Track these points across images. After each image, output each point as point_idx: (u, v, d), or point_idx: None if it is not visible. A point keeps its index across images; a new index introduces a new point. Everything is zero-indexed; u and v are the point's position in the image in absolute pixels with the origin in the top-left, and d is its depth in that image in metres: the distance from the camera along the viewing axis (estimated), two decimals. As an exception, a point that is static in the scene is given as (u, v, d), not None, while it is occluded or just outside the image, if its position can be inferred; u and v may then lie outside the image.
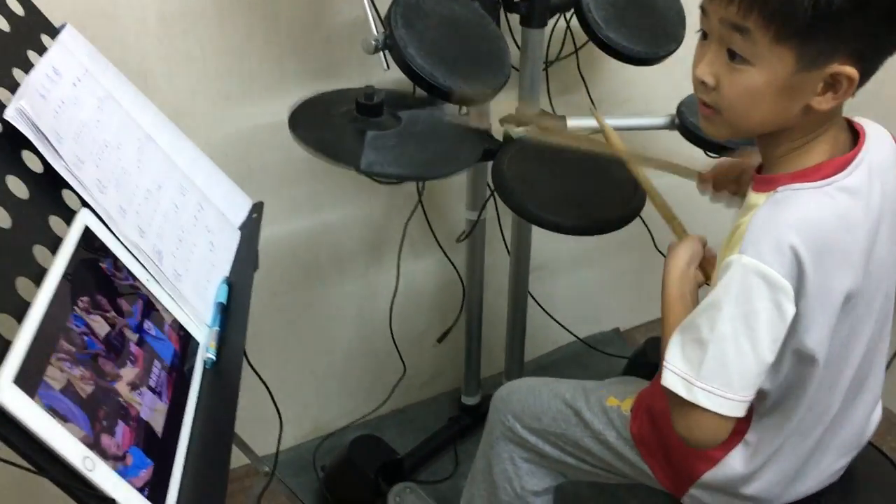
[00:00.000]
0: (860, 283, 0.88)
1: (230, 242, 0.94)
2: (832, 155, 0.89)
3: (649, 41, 1.42)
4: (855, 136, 0.92)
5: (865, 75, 0.84)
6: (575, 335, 1.96)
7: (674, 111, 1.49)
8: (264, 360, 1.66)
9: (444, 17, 1.26)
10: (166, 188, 0.88)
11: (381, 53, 1.22)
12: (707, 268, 1.04)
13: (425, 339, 1.82)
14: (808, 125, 0.88)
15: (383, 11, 1.27)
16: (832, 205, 0.86)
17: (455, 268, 1.69)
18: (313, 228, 1.59)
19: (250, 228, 0.98)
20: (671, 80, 1.69)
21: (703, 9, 0.88)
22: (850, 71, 0.81)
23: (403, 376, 1.79)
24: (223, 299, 0.86)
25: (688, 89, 1.50)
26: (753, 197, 0.91)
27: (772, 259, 0.82)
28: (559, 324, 1.88)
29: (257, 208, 1.01)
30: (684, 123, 1.46)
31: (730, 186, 1.15)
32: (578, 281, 2.00)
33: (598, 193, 1.28)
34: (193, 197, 0.92)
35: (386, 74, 1.24)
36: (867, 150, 0.89)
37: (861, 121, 0.94)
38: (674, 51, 1.45)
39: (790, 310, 0.83)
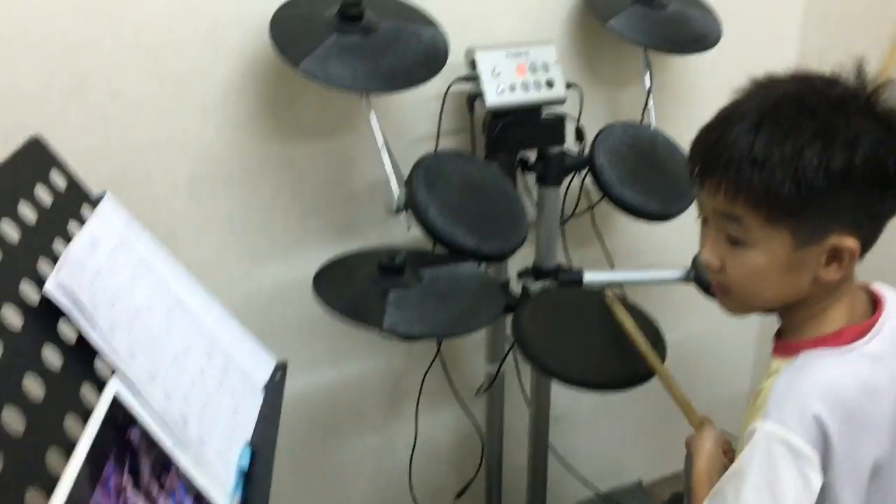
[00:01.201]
0: (888, 451, 0.87)
1: (254, 404, 0.94)
2: (850, 321, 0.90)
3: (662, 198, 1.46)
4: (874, 301, 0.93)
5: (868, 242, 0.86)
6: (597, 489, 1.91)
7: (689, 264, 1.52)
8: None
9: (463, 179, 1.31)
10: (194, 352, 0.89)
11: (403, 214, 1.26)
12: (730, 455, 1.05)
13: (444, 494, 1.78)
14: (822, 293, 0.89)
15: (403, 173, 1.33)
16: (855, 371, 0.86)
17: (474, 420, 1.67)
18: (332, 382, 1.59)
19: (274, 389, 0.98)
20: (685, 233, 1.72)
21: (696, 200, 0.92)
22: (850, 242, 0.83)
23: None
24: (245, 465, 0.85)
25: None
26: (775, 362, 0.92)
27: (796, 426, 0.82)
28: (579, 478, 1.84)
29: (281, 368, 1.02)
30: (700, 276, 1.48)
31: None
32: (599, 432, 1.97)
33: (617, 348, 1.29)
34: (220, 359, 0.93)
35: (407, 232, 1.28)
36: (887, 316, 0.90)
37: (880, 287, 0.95)
38: (686, 208, 1.49)
39: (816, 480, 0.82)
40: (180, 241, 1.35)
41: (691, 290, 1.50)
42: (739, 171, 0.84)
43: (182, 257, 1.36)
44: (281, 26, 1.18)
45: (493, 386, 1.58)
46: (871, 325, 0.89)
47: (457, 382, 1.65)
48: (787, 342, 0.92)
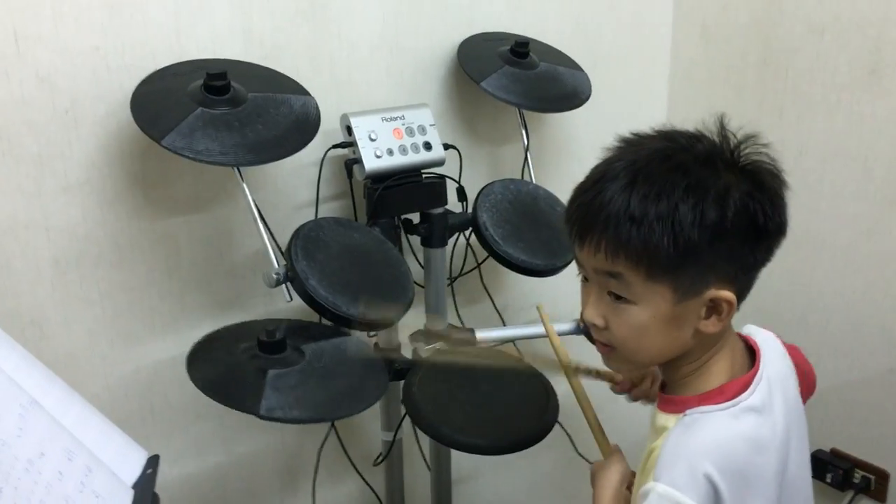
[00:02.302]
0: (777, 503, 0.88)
1: (122, 505, 0.87)
2: (732, 375, 0.91)
3: (547, 253, 1.48)
4: (751, 350, 0.95)
5: (743, 292, 0.88)
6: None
7: (579, 316, 1.53)
8: None
9: (343, 246, 1.28)
10: (50, 455, 0.82)
11: (284, 286, 1.23)
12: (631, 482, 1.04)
13: (348, 572, 1.71)
14: (703, 347, 0.91)
15: (283, 242, 1.29)
16: (741, 428, 0.87)
17: (374, 491, 1.62)
18: (222, 464, 1.51)
19: (144, 486, 0.91)
20: (574, 285, 1.75)
21: (576, 259, 0.93)
22: (727, 294, 0.85)
23: None
24: (112, 575, 0.79)
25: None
26: (662, 418, 0.92)
27: (686, 487, 0.82)
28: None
29: (152, 462, 0.95)
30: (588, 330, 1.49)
31: (643, 385, 1.16)
32: (504, 489, 1.94)
33: (511, 409, 1.28)
34: (81, 460, 0.86)
35: (292, 302, 1.24)
36: (764, 365, 0.92)
37: (751, 333, 0.97)
38: (571, 261, 1.50)
39: None
40: (47, 329, 1.27)
41: (583, 345, 1.50)
42: (618, 228, 0.84)
43: (50, 346, 1.28)
44: (143, 101, 1.15)
45: (392, 454, 1.54)
46: (752, 378, 0.90)
47: (354, 453, 1.60)
48: (672, 398, 0.93)
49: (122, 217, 1.30)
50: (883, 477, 1.73)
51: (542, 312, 1.30)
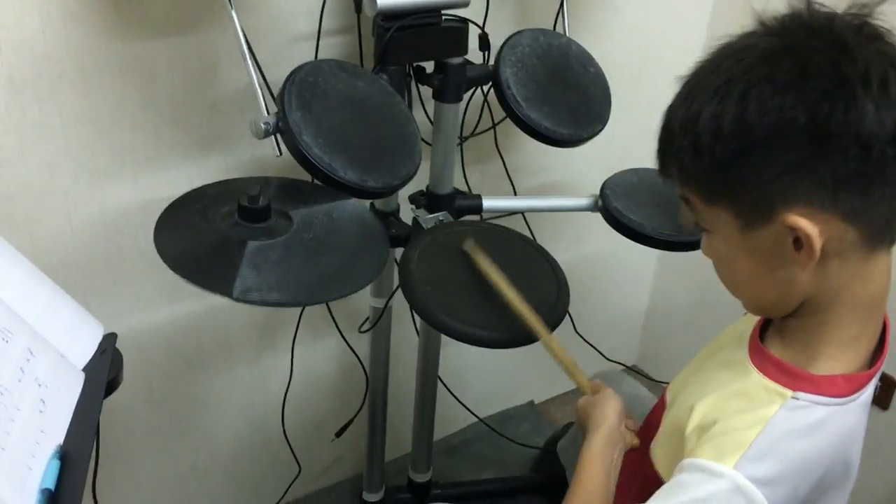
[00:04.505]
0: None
1: (69, 393, 0.76)
2: (856, 361, 0.76)
3: (573, 122, 1.30)
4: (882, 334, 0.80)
5: (862, 222, 0.68)
6: (479, 418, 1.81)
7: (597, 192, 1.38)
8: (138, 458, 1.48)
9: (345, 97, 1.10)
10: (-17, 335, 0.69)
11: (273, 138, 1.06)
12: (631, 426, 0.94)
13: (323, 430, 1.65)
14: (824, 303, 0.74)
15: (276, 80, 1.11)
16: (852, 425, 0.75)
17: (357, 356, 1.53)
18: (196, 312, 1.40)
19: (97, 369, 0.79)
20: (597, 158, 1.59)
21: None
22: (803, 223, 0.68)
23: (299, 474, 1.61)
24: (51, 483, 0.68)
25: (613, 168, 1.41)
26: (759, 385, 0.77)
27: (772, 485, 0.70)
28: (468, 409, 1.74)
29: (108, 341, 0.83)
30: (607, 207, 1.35)
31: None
32: (490, 355, 1.86)
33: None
34: (21, 340, 0.73)
35: (277, 156, 1.08)
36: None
37: None
38: (598, 132, 1.33)
39: None
40: (-1, 157, 1.11)
41: (597, 223, 1.37)
42: (664, 145, 0.74)
43: (2, 177, 1.13)
44: None
45: (380, 321, 1.43)
46: (874, 374, 0.76)
47: (339, 312, 1.49)
48: (784, 364, 0.76)
49: (89, 34, 1.11)
50: (890, 385, 1.66)
51: (476, 252, 1.11)
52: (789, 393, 0.74)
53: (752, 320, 0.85)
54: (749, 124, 0.66)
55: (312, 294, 0.91)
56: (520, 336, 1.07)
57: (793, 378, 0.75)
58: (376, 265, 0.98)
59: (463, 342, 1.06)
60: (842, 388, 0.74)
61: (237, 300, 0.85)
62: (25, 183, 1.15)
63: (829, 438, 0.73)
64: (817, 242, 0.68)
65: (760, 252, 0.72)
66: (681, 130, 0.71)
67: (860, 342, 0.76)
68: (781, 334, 0.80)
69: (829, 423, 0.73)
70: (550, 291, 1.13)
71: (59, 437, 0.72)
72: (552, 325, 1.09)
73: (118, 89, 1.17)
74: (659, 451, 0.88)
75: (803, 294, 0.73)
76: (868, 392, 0.76)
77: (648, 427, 0.95)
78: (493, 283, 1.04)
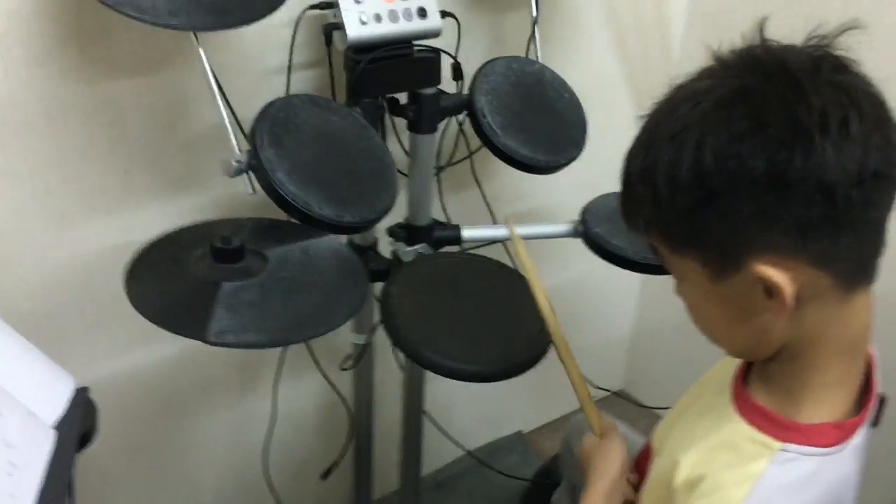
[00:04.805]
0: None
1: (40, 452, 0.72)
2: (841, 410, 0.73)
3: (549, 148, 1.29)
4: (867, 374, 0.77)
5: (824, 268, 0.65)
6: (466, 450, 1.78)
7: (577, 217, 1.37)
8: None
9: (318, 131, 1.09)
10: (-53, 394, 0.66)
11: (246, 175, 1.04)
12: (632, 479, 0.92)
13: (308, 471, 1.61)
14: (803, 347, 0.71)
15: (247, 115, 1.09)
16: (845, 473, 0.73)
17: (340, 395, 1.49)
18: (173, 357, 1.37)
19: (68, 425, 0.76)
20: (575, 184, 1.58)
21: None
22: (771, 272, 0.65)
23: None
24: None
25: (592, 192, 1.40)
26: (745, 437, 0.73)
27: None
28: (456, 443, 1.71)
29: (80, 396, 0.80)
30: (588, 232, 1.34)
31: None
32: (475, 385, 1.83)
33: (500, 328, 1.13)
34: (-12, 398, 0.70)
35: (250, 193, 1.05)
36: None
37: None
38: (575, 157, 1.33)
39: None
40: (-37, 206, 1.08)
41: (579, 249, 1.35)
42: (629, 193, 0.72)
43: (-35, 227, 1.10)
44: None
45: (363, 357, 1.41)
46: (862, 420, 0.74)
47: (320, 350, 1.46)
48: (771, 414, 0.73)
49: (54, 77, 1.08)
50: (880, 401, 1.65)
51: (516, 239, 1.10)
52: (777, 445, 0.70)
53: (734, 362, 0.82)
54: (707, 172, 0.63)
55: (288, 334, 0.89)
56: (509, 367, 1.06)
57: (780, 428, 0.72)
58: (354, 302, 0.96)
59: (450, 378, 1.04)
60: (831, 436, 0.71)
61: (212, 343, 0.82)
62: (-7, 234, 1.12)
63: (822, 489, 0.71)
64: (788, 291, 0.65)
65: (732, 301, 0.70)
66: (639, 181, 0.69)
67: (845, 384, 0.73)
68: (764, 379, 0.77)
69: (820, 475, 0.70)
70: (536, 320, 1.12)
71: (29, 501, 0.68)
72: (538, 354, 1.07)
73: (86, 132, 1.14)
74: (647, 502, 0.86)
75: (781, 339, 0.71)
76: (858, 438, 0.73)
77: (636, 472, 0.93)
78: (528, 283, 1.03)
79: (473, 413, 1.85)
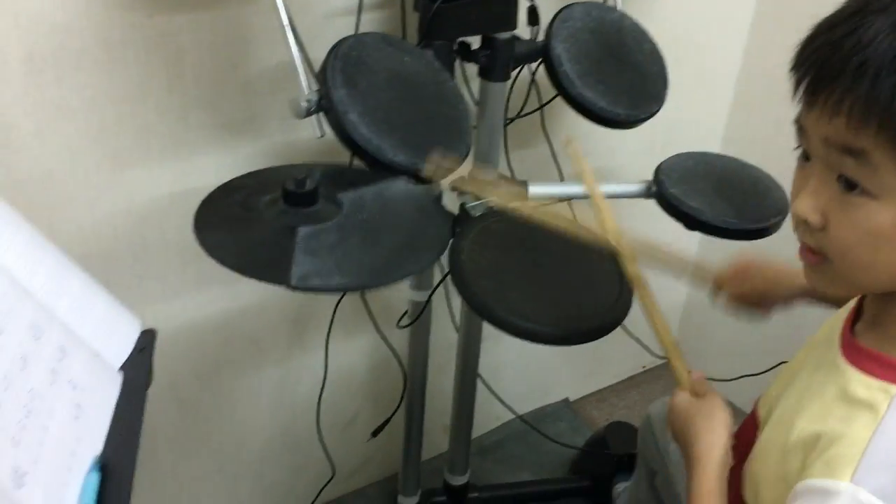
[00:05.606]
0: None
1: (106, 396, 0.67)
2: None
3: (628, 101, 1.22)
4: None
5: None
6: (517, 414, 1.73)
7: (651, 177, 1.29)
8: (160, 462, 1.40)
9: (392, 73, 1.02)
10: (10, 332, 0.61)
11: (315, 118, 0.97)
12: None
13: (356, 429, 1.57)
14: None
15: (312, 57, 1.02)
16: None
17: (395, 352, 1.44)
18: (226, 308, 1.32)
19: (135, 368, 0.71)
20: (649, 140, 1.50)
21: (798, 125, 0.66)
22: None
23: (333, 476, 1.53)
24: (91, 499, 0.60)
25: (668, 151, 1.32)
26: (859, 383, 0.67)
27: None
28: (505, 405, 1.65)
29: (147, 339, 0.75)
30: (663, 192, 1.26)
31: (746, 297, 0.94)
32: (527, 352, 1.78)
33: (574, 290, 1.06)
34: (53, 337, 0.65)
35: (319, 136, 0.99)
36: None
37: None
38: (655, 112, 1.25)
39: None
40: (14, 138, 1.03)
41: (652, 210, 1.28)
42: (876, 81, 0.58)
43: (19, 162, 1.04)
44: None
45: (421, 316, 1.35)
46: None
47: (375, 306, 1.41)
48: (886, 358, 0.67)
49: (112, 6, 1.02)
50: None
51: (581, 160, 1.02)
52: (894, 388, 0.65)
53: (837, 323, 0.76)
54: None
55: (378, 276, 0.83)
56: (584, 331, 0.99)
57: (895, 370, 0.66)
58: (439, 242, 0.90)
59: (523, 339, 0.98)
60: None
61: (296, 289, 0.77)
62: (45, 170, 1.07)
63: None
64: None
65: None
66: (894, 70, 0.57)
67: None
68: (874, 326, 0.71)
69: None
70: (610, 283, 1.05)
71: (97, 447, 0.64)
72: (616, 320, 1.01)
73: (143, 66, 1.08)
74: (755, 472, 0.79)
75: None
76: None
77: (738, 446, 0.85)
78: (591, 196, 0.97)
79: (521, 379, 1.80)
